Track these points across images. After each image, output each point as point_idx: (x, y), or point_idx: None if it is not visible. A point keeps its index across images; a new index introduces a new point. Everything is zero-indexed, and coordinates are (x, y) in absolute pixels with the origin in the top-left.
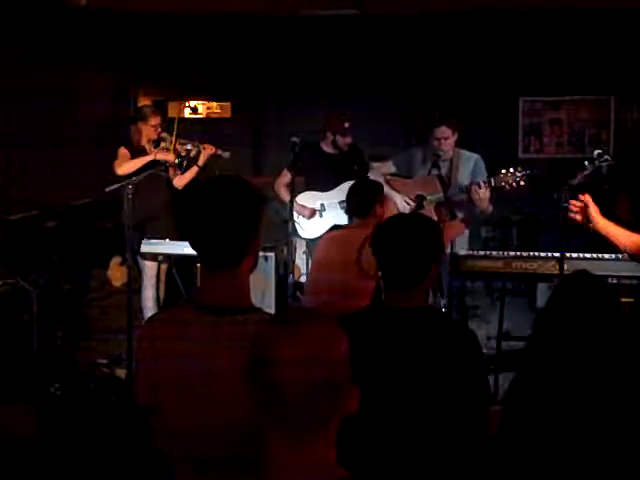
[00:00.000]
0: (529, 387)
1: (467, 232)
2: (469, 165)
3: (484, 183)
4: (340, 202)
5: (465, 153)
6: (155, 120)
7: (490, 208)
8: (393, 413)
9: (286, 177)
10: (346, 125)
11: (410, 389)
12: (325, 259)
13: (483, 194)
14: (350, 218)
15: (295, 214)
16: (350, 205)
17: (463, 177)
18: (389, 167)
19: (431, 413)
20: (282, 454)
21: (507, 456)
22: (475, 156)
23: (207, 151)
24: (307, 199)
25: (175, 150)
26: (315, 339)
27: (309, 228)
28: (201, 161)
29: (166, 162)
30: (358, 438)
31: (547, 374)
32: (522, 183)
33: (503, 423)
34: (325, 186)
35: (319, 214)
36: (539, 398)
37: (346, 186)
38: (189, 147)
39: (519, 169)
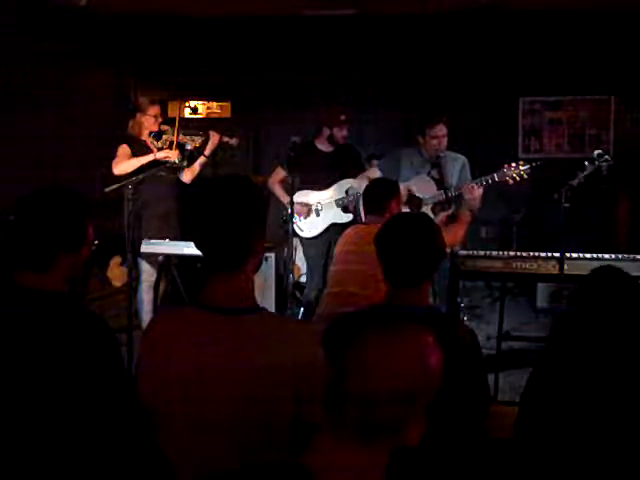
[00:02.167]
0: (550, 382)
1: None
2: (457, 165)
3: (478, 184)
4: (336, 200)
5: (451, 153)
6: (153, 110)
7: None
8: None
9: (280, 174)
10: (342, 117)
11: None
12: (351, 252)
13: (478, 193)
14: (367, 215)
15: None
16: (367, 204)
17: (452, 177)
18: (374, 172)
19: (431, 411)
20: (339, 457)
21: (525, 453)
22: (462, 157)
23: (213, 140)
24: (303, 198)
25: (177, 144)
26: (410, 351)
27: (306, 227)
28: (208, 150)
29: (167, 162)
30: None
31: (569, 370)
32: (525, 177)
33: (520, 419)
34: (321, 184)
35: (316, 213)
36: (560, 394)
37: (342, 184)
38: (194, 139)
39: (522, 163)
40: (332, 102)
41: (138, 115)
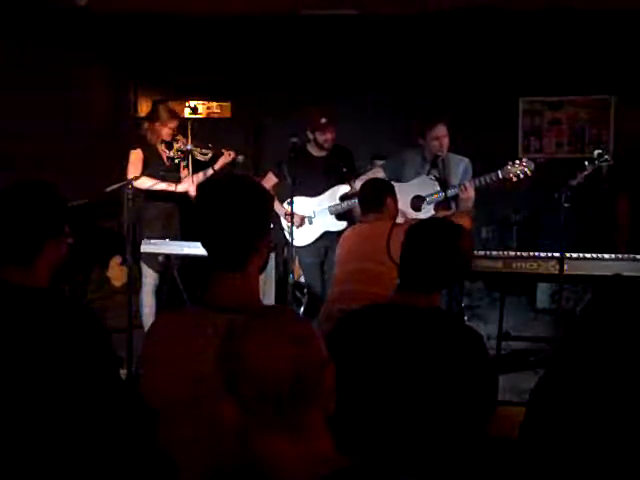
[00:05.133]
0: (560, 387)
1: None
2: (460, 167)
3: (470, 183)
4: (330, 207)
5: (455, 156)
6: (172, 123)
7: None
8: (399, 407)
9: (271, 180)
10: (322, 121)
11: (417, 386)
12: (355, 251)
13: (470, 193)
14: (365, 214)
15: (284, 223)
16: (363, 202)
17: (455, 178)
18: (378, 172)
19: (437, 410)
20: (273, 447)
21: (531, 455)
22: (465, 159)
23: (225, 157)
24: (297, 206)
25: (191, 153)
26: (280, 334)
27: (298, 236)
28: (218, 165)
29: (169, 165)
30: (364, 429)
31: (579, 376)
32: (529, 174)
33: (527, 422)
34: (314, 190)
35: (309, 221)
36: (569, 399)
37: (335, 191)
38: (204, 152)
39: (525, 160)
40: (313, 104)
41: (157, 124)
